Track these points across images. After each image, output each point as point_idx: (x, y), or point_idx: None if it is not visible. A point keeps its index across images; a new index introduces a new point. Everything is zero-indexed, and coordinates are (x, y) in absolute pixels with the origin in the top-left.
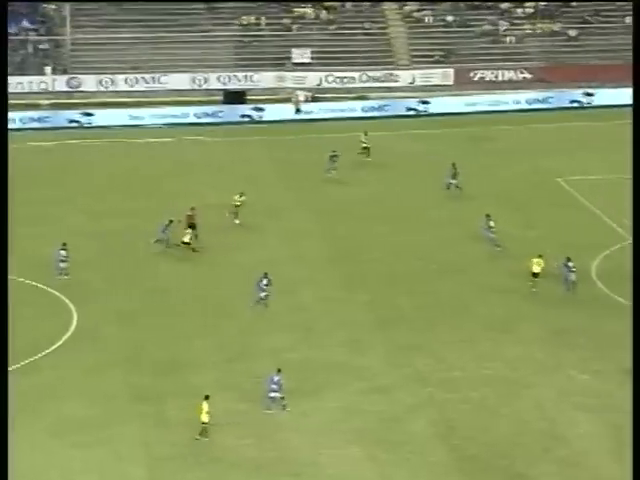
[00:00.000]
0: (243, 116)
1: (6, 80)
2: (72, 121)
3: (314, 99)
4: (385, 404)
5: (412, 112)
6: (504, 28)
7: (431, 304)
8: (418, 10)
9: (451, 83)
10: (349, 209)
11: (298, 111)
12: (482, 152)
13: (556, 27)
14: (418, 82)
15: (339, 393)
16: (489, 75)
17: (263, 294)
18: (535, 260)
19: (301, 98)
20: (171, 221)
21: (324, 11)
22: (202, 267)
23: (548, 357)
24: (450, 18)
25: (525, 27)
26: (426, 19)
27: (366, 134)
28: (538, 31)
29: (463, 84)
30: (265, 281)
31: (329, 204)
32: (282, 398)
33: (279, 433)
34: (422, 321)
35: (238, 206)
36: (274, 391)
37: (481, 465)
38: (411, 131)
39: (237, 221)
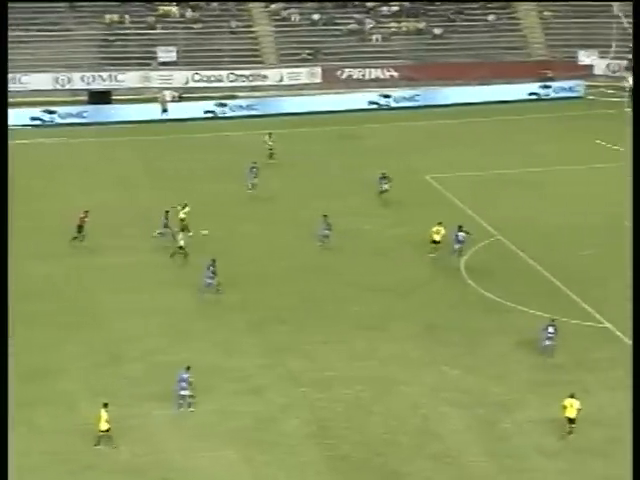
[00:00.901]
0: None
1: (6, 80)
2: None
3: (181, 98)
4: (259, 405)
5: (282, 111)
6: (370, 26)
7: (304, 304)
8: (284, 9)
9: (319, 81)
10: (220, 209)
11: (165, 111)
12: (351, 151)
13: (421, 25)
14: (286, 81)
15: (213, 395)
16: (356, 73)
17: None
18: (435, 229)
19: (168, 98)
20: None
21: (189, 9)
22: (70, 270)
23: (421, 354)
24: (316, 16)
25: (391, 26)
26: (292, 18)
27: (270, 136)
28: (404, 29)
29: (331, 82)
30: None
31: (200, 204)
32: (192, 396)
33: (153, 437)
34: (295, 321)
35: (184, 219)
36: (184, 389)
37: (355, 464)
38: (282, 130)
39: (190, 233)
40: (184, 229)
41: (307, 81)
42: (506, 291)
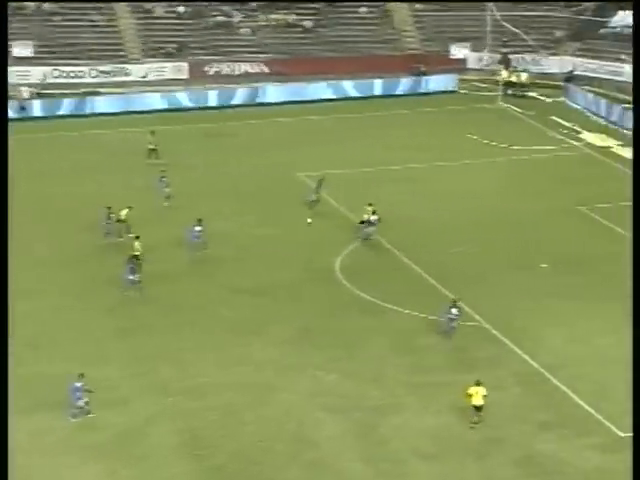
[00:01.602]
0: None
1: (6, 78)
2: None
3: (39, 95)
4: (126, 416)
5: (148, 108)
6: (238, 19)
7: (173, 309)
8: (147, 1)
9: (186, 77)
10: (76, 213)
11: (23, 109)
12: (219, 148)
13: (291, 19)
14: (151, 77)
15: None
16: (225, 68)
17: None
18: (368, 208)
19: (25, 95)
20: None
21: (46, 2)
22: None
23: (296, 359)
24: (182, 9)
25: (260, 19)
26: (156, 11)
27: (153, 134)
28: (273, 23)
29: (198, 78)
30: None
31: (59, 210)
32: (86, 403)
33: (16, 456)
34: (164, 327)
35: (125, 221)
36: (79, 399)
37: (228, 473)
38: (150, 128)
39: (131, 235)
40: (126, 229)
41: (173, 77)
42: (382, 291)
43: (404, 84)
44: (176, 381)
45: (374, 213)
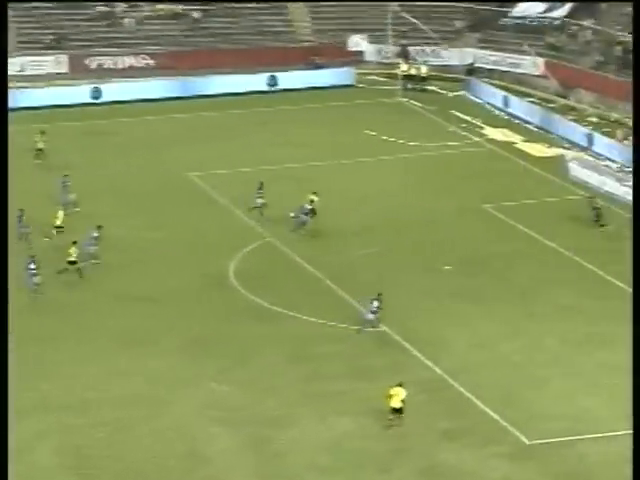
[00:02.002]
0: None
1: (6, 77)
2: None
3: None
4: None
5: (24, 104)
6: (121, 10)
7: (56, 320)
8: None
9: (66, 71)
10: None
11: None
12: (100, 147)
13: (178, 9)
14: (28, 71)
15: None
16: (108, 62)
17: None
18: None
19: None
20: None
21: None
22: None
23: (188, 370)
24: None
25: (145, 9)
26: None
27: (43, 134)
28: (159, 13)
29: (79, 72)
30: None
31: None
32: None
33: None
34: (48, 339)
35: (60, 227)
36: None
37: None
38: (24, 127)
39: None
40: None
41: (52, 71)
42: (278, 297)
43: (299, 78)
44: (60, 396)
45: (312, 202)
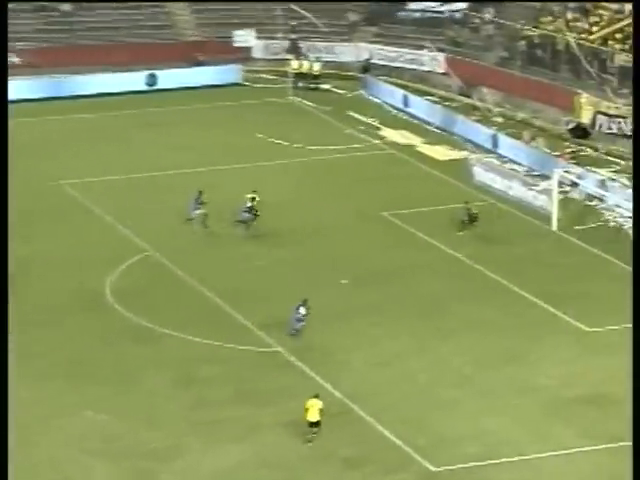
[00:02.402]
0: None
1: (6, 76)
2: None
3: None
4: None
5: None
6: None
7: None
8: None
9: None
10: None
11: None
12: None
13: (45, 1)
14: None
15: None
16: None
17: None
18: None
19: None
20: None
21: None
22: None
23: (61, 396)
24: None
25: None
26: None
27: None
28: (24, 6)
29: None
30: None
31: None
32: None
33: None
34: None
35: None
36: None
37: None
38: None
39: None
40: None
41: None
42: (160, 316)
43: (181, 76)
44: None
45: (253, 200)
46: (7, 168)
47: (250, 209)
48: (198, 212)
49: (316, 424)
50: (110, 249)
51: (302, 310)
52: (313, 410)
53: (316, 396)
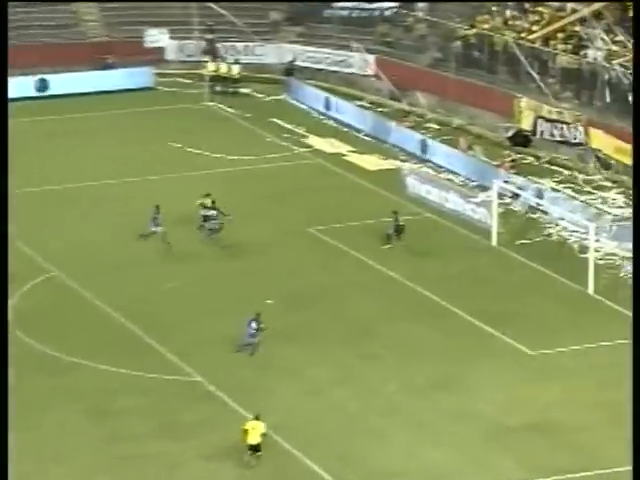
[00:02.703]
0: None
1: (6, 78)
2: None
3: None
4: None
5: None
6: None
7: None
8: None
9: None
10: None
11: None
12: None
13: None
14: None
15: None
16: None
17: None
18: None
19: None
20: None
21: None
22: None
23: None
24: None
25: None
26: None
27: None
28: None
29: None
30: None
31: None
32: None
33: None
34: None
35: None
36: None
37: None
38: None
39: None
40: None
41: None
42: (68, 343)
43: (87, 80)
44: None
45: (213, 203)
46: (7, 168)
47: (215, 216)
48: (155, 229)
49: (257, 448)
50: (11, 268)
51: (254, 324)
52: (254, 433)
53: (257, 418)
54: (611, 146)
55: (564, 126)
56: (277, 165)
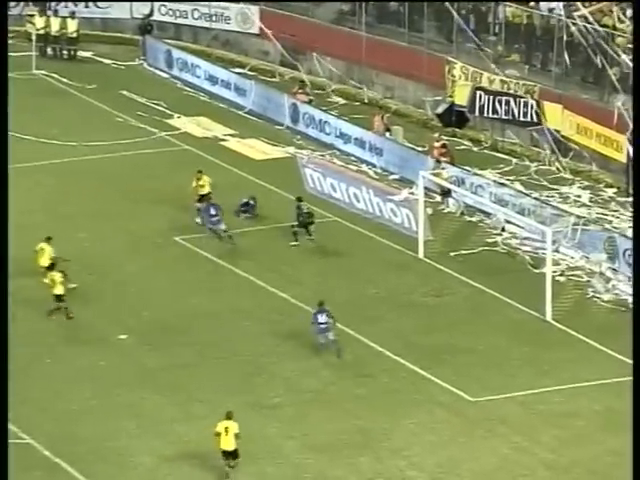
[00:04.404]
0: None
1: (6, 78)
2: None
3: None
4: None
5: None
6: None
7: None
8: None
9: None
10: None
11: None
12: None
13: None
14: None
15: None
16: None
17: None
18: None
19: None
20: None
21: None
22: None
23: None
24: None
25: None
26: None
27: None
28: None
29: None
30: None
31: None
32: None
33: None
34: None
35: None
36: None
37: None
38: None
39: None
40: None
41: None
42: None
43: None
44: None
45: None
46: (7, 168)
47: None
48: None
49: (233, 454)
50: None
51: (321, 318)
52: (227, 437)
53: (228, 416)
54: (573, 125)
55: (511, 100)
56: (131, 154)
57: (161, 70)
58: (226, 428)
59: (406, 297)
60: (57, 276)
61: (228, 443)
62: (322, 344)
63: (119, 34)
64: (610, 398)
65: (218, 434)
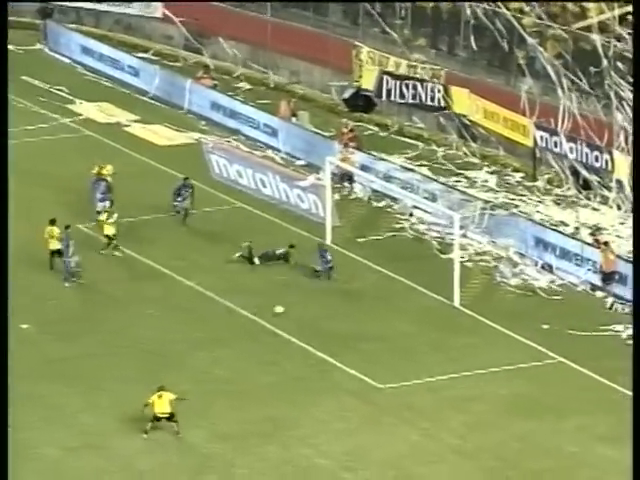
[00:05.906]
0: None
1: (6, 78)
2: None
3: None
4: None
5: None
6: None
7: None
8: None
9: None
10: None
11: None
12: None
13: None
14: None
15: None
16: None
17: None
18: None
19: None
20: None
21: None
22: None
23: None
24: None
25: None
26: None
27: None
28: None
29: None
30: None
31: None
32: None
33: None
34: None
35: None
36: None
37: None
38: None
39: None
40: None
41: None
42: None
43: None
44: None
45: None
46: (7, 167)
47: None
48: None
49: (171, 417)
50: None
51: (328, 256)
52: (161, 400)
53: (161, 388)
54: (480, 110)
55: (418, 84)
56: (31, 142)
57: (62, 55)
58: (160, 395)
59: (304, 282)
60: None
61: (162, 406)
62: (320, 271)
63: (17, 18)
64: (518, 383)
65: (151, 404)
